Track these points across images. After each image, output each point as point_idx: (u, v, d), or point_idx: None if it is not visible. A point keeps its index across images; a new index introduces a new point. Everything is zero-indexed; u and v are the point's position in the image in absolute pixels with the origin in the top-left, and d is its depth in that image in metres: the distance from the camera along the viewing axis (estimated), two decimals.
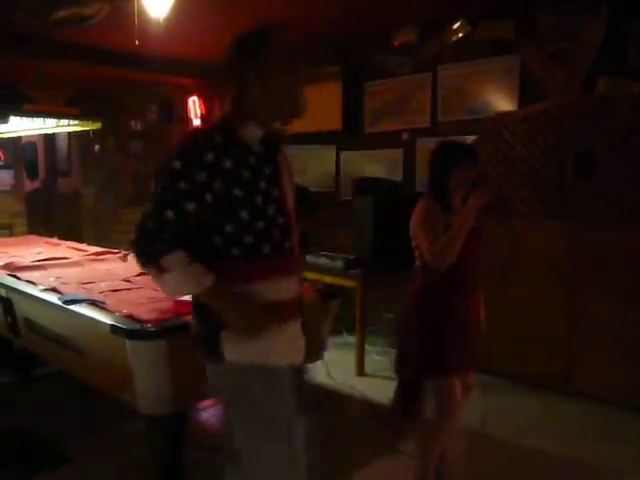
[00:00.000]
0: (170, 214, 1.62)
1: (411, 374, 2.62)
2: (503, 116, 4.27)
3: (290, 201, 1.81)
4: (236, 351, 1.72)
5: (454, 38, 4.65)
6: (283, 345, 1.77)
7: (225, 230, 1.68)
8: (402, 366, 2.69)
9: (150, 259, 1.67)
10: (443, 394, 2.53)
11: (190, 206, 1.62)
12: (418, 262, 2.59)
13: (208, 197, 1.63)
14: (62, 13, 4.13)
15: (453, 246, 2.38)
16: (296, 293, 1.81)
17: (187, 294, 1.78)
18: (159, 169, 1.72)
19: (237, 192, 1.64)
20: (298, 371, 1.85)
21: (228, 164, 1.64)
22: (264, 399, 1.72)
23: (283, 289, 1.76)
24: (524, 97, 4.34)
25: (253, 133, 1.73)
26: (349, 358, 4.49)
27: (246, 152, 1.69)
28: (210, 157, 1.61)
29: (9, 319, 3.62)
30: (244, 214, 1.66)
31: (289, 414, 1.76)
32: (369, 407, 3.77)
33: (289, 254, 1.78)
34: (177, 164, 1.62)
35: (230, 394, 1.78)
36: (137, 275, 3.77)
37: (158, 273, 1.66)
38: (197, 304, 1.80)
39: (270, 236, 1.71)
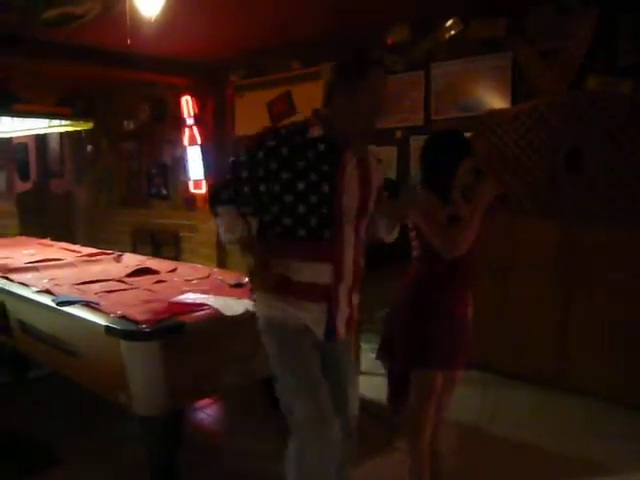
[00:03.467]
0: (228, 177, 2.07)
1: (400, 365, 2.64)
2: (495, 114, 4.28)
3: (347, 199, 2.04)
4: (260, 308, 2.13)
5: (447, 36, 4.66)
6: (302, 315, 2.05)
7: (272, 210, 2.03)
8: (388, 356, 2.71)
9: (210, 206, 2.15)
10: (422, 386, 2.55)
11: (244, 174, 2.01)
12: (415, 253, 2.58)
13: (261, 172, 1.98)
14: (53, 12, 4.11)
15: (469, 231, 2.37)
16: (328, 281, 2.04)
17: (228, 238, 2.12)
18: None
19: (285, 175, 1.96)
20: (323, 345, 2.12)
21: (285, 151, 1.96)
22: (282, 347, 2.08)
23: (312, 272, 2.02)
24: (516, 95, 4.36)
25: (317, 131, 2.02)
26: None
27: (307, 146, 1.99)
28: (272, 142, 1.97)
29: (2, 321, 3.60)
30: (289, 197, 1.98)
31: (306, 357, 2.07)
32: (364, 404, 3.77)
33: (328, 243, 2.02)
34: (247, 145, 2.05)
35: (266, 347, 2.14)
36: (131, 276, 3.77)
37: (215, 218, 2.14)
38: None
39: (308, 222, 1.99)
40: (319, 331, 2.09)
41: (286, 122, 2.24)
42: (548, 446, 3.20)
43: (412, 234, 2.57)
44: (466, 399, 3.11)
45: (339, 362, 2.24)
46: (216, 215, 2.13)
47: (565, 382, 3.92)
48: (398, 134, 5.12)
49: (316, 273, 2.04)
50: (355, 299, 2.24)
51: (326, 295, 2.07)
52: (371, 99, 2.02)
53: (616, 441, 3.26)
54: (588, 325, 3.82)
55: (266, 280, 2.06)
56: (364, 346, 4.62)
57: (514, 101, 4.35)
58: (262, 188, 2.01)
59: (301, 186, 1.97)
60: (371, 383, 4.13)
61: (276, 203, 2.02)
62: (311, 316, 2.07)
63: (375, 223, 2.29)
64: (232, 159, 2.08)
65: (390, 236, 2.38)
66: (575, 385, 3.86)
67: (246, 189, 2.03)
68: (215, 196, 2.14)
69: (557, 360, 3.97)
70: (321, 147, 2.00)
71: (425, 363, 2.54)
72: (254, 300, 2.20)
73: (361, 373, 4.39)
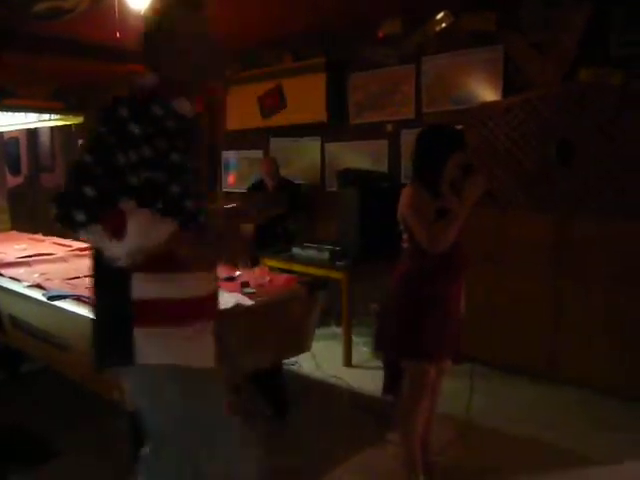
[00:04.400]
0: (122, 160, 1.54)
1: (392, 355, 2.67)
2: (487, 106, 4.28)
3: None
4: (152, 352, 1.59)
5: (437, 29, 4.65)
6: (209, 344, 1.68)
7: (171, 190, 1.60)
8: (382, 346, 2.74)
9: (98, 209, 1.52)
10: (416, 378, 2.57)
11: (134, 156, 1.54)
12: (406, 245, 2.60)
13: (148, 151, 1.54)
14: (42, 6, 4.08)
15: (452, 229, 2.40)
16: (215, 289, 1.76)
17: (155, 241, 1.52)
18: None
19: (175, 157, 1.60)
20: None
21: (171, 124, 1.62)
22: (182, 401, 1.63)
23: (208, 283, 1.71)
24: (508, 87, 4.36)
25: (184, 107, 1.72)
26: (336, 349, 4.50)
27: (182, 124, 1.67)
28: (158, 111, 1.61)
29: None
30: (180, 178, 1.62)
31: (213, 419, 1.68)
32: (356, 397, 3.79)
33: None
34: (124, 112, 1.58)
35: (144, 399, 1.68)
36: None
37: (108, 228, 1.50)
38: (101, 289, 1.66)
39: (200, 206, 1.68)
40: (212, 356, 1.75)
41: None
42: (543, 438, 3.22)
43: (401, 227, 2.59)
44: (459, 393, 3.12)
45: None
46: (121, 220, 1.50)
47: (559, 375, 3.94)
48: (389, 127, 5.12)
49: (209, 283, 1.75)
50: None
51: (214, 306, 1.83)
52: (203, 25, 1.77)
53: (611, 432, 3.28)
54: (582, 317, 3.84)
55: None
56: (356, 339, 4.64)
57: (506, 94, 4.35)
58: (158, 176, 1.62)
59: (194, 164, 1.70)
60: (362, 376, 4.16)
61: (173, 182, 1.63)
62: (209, 340, 1.73)
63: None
64: (114, 136, 1.57)
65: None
66: (569, 377, 3.88)
67: (137, 175, 1.58)
68: (99, 192, 1.54)
69: (550, 353, 3.99)
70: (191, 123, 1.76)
71: (418, 355, 2.56)
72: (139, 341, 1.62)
73: (352, 366, 4.42)
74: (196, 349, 1.64)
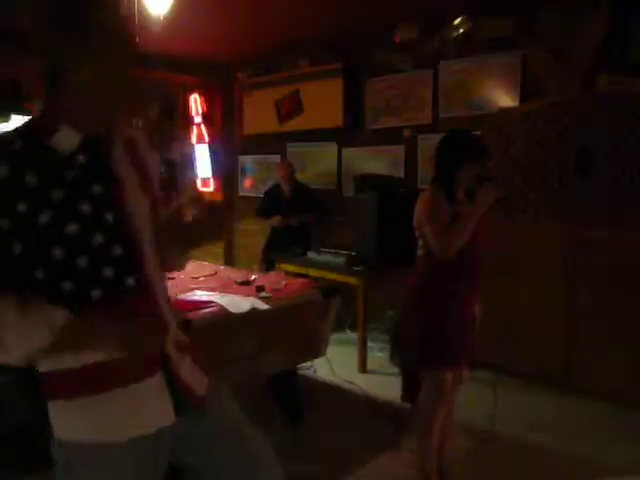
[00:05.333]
0: None
1: (410, 363, 2.67)
2: (504, 112, 4.26)
3: (139, 221, 1.35)
4: (60, 427, 1.39)
5: (455, 34, 4.64)
6: (136, 409, 1.34)
7: (35, 277, 1.23)
8: (399, 355, 2.75)
9: None
10: (433, 386, 2.56)
11: None
12: (421, 252, 2.59)
13: (4, 223, 1.18)
14: None
15: (461, 235, 2.41)
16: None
17: (40, 344, 1.20)
18: None
19: (43, 218, 1.20)
20: (161, 436, 1.38)
21: (32, 180, 1.20)
22: None
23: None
24: (525, 93, 4.34)
25: (67, 139, 1.26)
26: (351, 355, 4.49)
27: (59, 164, 1.25)
28: (5, 171, 1.18)
29: None
30: (57, 251, 1.22)
31: None
32: (371, 404, 3.78)
33: (135, 296, 1.33)
34: None
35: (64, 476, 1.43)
36: None
37: None
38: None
39: (98, 276, 1.27)
40: (167, 412, 1.37)
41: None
42: (556, 447, 3.19)
43: (417, 233, 2.59)
44: (472, 400, 3.10)
45: (219, 430, 1.49)
46: None
47: (572, 383, 3.90)
48: (406, 133, 5.11)
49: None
50: (181, 335, 1.50)
51: (155, 362, 1.36)
52: (121, 43, 1.30)
53: (630, 444, 3.24)
54: (595, 326, 3.80)
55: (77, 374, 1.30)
56: (371, 345, 4.63)
57: (523, 100, 4.32)
58: (17, 249, 1.20)
59: (73, 228, 1.23)
60: (378, 382, 4.14)
61: (39, 265, 1.22)
62: (152, 398, 1.35)
63: (162, 245, 1.47)
64: None
65: (181, 265, 1.65)
66: (582, 386, 3.84)
67: None
68: None
69: (564, 361, 3.95)
70: (81, 159, 1.28)
71: (435, 362, 2.55)
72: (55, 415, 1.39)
73: (367, 372, 4.40)
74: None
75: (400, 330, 2.80)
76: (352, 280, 4.41)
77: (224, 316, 2.81)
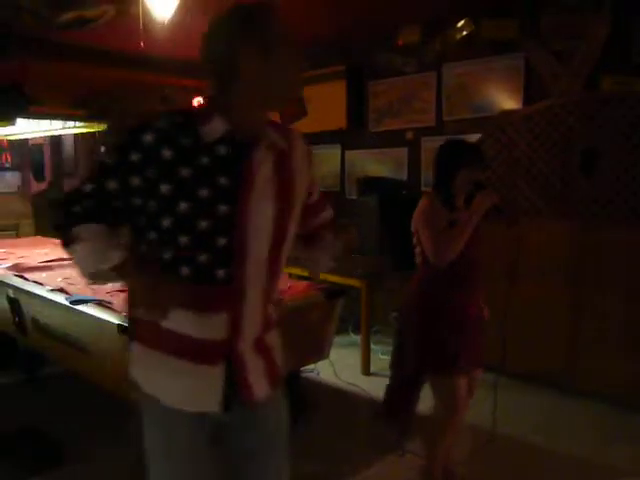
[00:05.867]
0: (89, 187, 1.40)
1: (410, 370, 2.65)
2: (507, 114, 4.27)
3: (257, 223, 1.42)
4: (134, 368, 1.54)
5: (458, 37, 4.64)
6: (186, 387, 1.46)
7: (147, 237, 1.40)
8: (400, 362, 2.72)
9: (61, 233, 1.42)
10: (449, 393, 2.54)
11: (112, 184, 1.37)
12: (419, 259, 2.60)
13: (134, 181, 1.36)
14: (67, 16, 4.15)
15: (455, 244, 2.41)
16: (222, 336, 1.44)
17: (94, 272, 1.40)
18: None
19: (164, 189, 1.35)
20: (211, 420, 1.50)
21: (168, 154, 1.34)
22: (150, 437, 1.54)
23: (199, 325, 1.42)
24: (528, 95, 4.34)
25: (216, 129, 1.38)
26: (355, 357, 4.49)
27: (199, 149, 1.37)
28: (149, 139, 1.34)
29: (17, 319, 3.64)
30: (166, 222, 1.36)
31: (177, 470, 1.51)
32: (375, 406, 3.77)
33: (222, 287, 1.42)
34: (116, 140, 1.41)
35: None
36: None
37: (66, 244, 1.41)
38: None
39: (194, 258, 1.38)
40: (213, 401, 1.47)
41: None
42: (560, 450, 3.19)
43: (414, 240, 2.60)
44: (476, 402, 3.09)
45: (260, 438, 1.59)
46: (73, 241, 1.38)
47: (577, 385, 3.89)
48: (409, 135, 5.12)
49: (205, 326, 1.43)
50: (272, 340, 1.62)
51: (221, 353, 1.46)
52: (292, 54, 1.43)
53: (627, 444, 3.24)
54: (600, 327, 3.79)
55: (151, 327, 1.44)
56: (374, 347, 4.63)
57: (527, 102, 4.33)
58: (138, 202, 1.38)
59: (184, 206, 1.35)
60: (381, 384, 4.12)
61: (152, 228, 1.39)
62: (199, 383, 1.46)
63: (310, 253, 1.70)
64: (99, 161, 1.44)
65: (322, 271, 1.81)
66: (587, 388, 3.83)
67: (117, 204, 1.39)
68: (67, 216, 1.42)
69: (568, 362, 3.94)
70: (220, 150, 1.39)
71: (447, 370, 2.53)
72: (131, 354, 1.55)
73: (371, 374, 4.40)
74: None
75: (401, 338, 2.78)
76: (355, 282, 4.42)
77: None
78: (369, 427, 3.49)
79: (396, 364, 2.77)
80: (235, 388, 1.48)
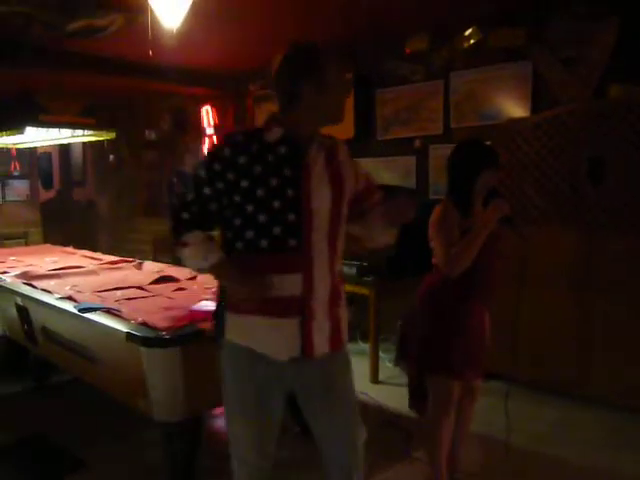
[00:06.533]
0: (190, 196, 1.86)
1: (413, 370, 2.65)
2: (515, 122, 4.26)
3: (317, 203, 1.83)
4: (231, 331, 1.91)
5: (466, 45, 4.65)
6: (272, 338, 1.86)
7: (234, 224, 1.83)
8: (403, 360, 2.73)
9: (174, 236, 1.91)
10: (439, 394, 2.55)
11: (206, 190, 1.83)
12: (435, 260, 2.57)
13: (220, 185, 1.81)
14: (76, 25, 4.19)
15: (468, 253, 2.37)
16: (297, 292, 1.83)
17: (199, 268, 1.96)
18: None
19: (244, 184, 1.78)
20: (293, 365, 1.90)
21: (242, 159, 1.79)
22: (235, 382, 1.93)
23: (278, 285, 1.80)
24: (536, 103, 4.33)
25: (275, 134, 1.83)
26: (363, 365, 4.47)
27: (265, 150, 1.81)
28: (227, 152, 1.81)
29: (26, 327, 3.65)
30: (249, 207, 1.79)
31: (241, 399, 1.93)
32: (383, 414, 3.76)
33: (294, 254, 1.81)
34: (204, 157, 1.90)
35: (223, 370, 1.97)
36: (151, 283, 3.80)
37: (176, 245, 1.90)
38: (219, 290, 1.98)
39: (270, 232, 1.79)
40: (294, 348, 1.86)
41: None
42: (571, 459, 3.16)
43: (431, 244, 2.57)
44: (485, 410, 3.08)
45: (329, 384, 1.96)
46: (184, 245, 1.89)
47: (587, 393, 3.86)
48: (417, 143, 5.12)
49: (283, 285, 1.81)
50: (340, 313, 1.99)
51: (297, 308, 1.84)
52: (343, 85, 1.92)
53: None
54: (609, 335, 3.77)
55: (245, 298, 1.84)
56: (383, 356, 4.61)
57: (534, 110, 4.32)
58: (225, 201, 1.83)
59: (260, 193, 1.79)
60: (390, 392, 4.12)
61: (238, 216, 1.83)
62: (282, 334, 1.85)
63: (369, 224, 2.08)
64: (193, 174, 1.90)
65: (388, 240, 2.16)
66: (597, 396, 3.80)
67: (212, 207, 1.86)
68: (179, 222, 1.90)
69: (581, 371, 3.91)
70: (281, 150, 1.82)
71: (441, 371, 2.54)
72: (216, 326, 1.97)
73: (379, 382, 4.38)
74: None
75: (404, 336, 2.79)
76: (364, 290, 4.41)
77: None
78: (377, 435, 3.47)
79: (399, 361, 2.79)
80: (302, 341, 1.85)
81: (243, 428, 1.97)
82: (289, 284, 1.82)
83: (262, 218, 1.79)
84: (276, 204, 1.78)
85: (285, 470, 2.82)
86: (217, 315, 1.96)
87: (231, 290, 1.86)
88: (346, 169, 1.98)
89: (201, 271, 2.01)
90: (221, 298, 1.94)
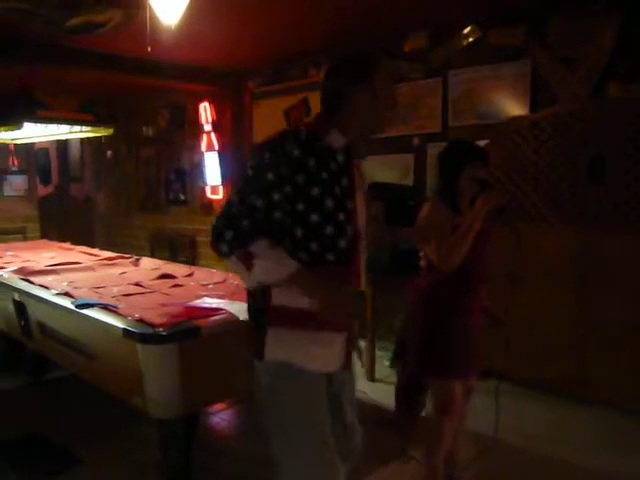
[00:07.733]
0: (259, 202, 1.66)
1: (412, 371, 2.65)
2: (514, 121, 4.26)
3: (360, 216, 1.81)
4: (277, 350, 1.77)
5: (465, 43, 4.65)
6: (327, 353, 1.80)
7: (295, 234, 1.69)
8: (402, 362, 2.73)
9: (235, 246, 1.68)
10: (443, 397, 2.55)
11: (276, 196, 1.65)
12: (423, 262, 2.59)
13: (288, 189, 1.65)
14: (76, 21, 4.18)
15: (459, 248, 2.38)
16: (350, 307, 1.77)
17: (275, 279, 1.71)
18: (247, 163, 1.78)
19: (314, 191, 1.67)
20: (335, 379, 1.88)
21: (312, 162, 1.67)
22: (296, 401, 1.77)
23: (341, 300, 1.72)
24: (535, 102, 4.33)
25: (337, 140, 1.77)
26: (359, 363, 4.48)
27: (329, 156, 1.73)
28: (296, 152, 1.66)
29: (23, 323, 3.65)
30: (315, 217, 1.67)
31: (322, 421, 1.80)
32: (379, 412, 3.76)
33: (352, 268, 1.79)
34: (266, 156, 1.69)
35: (266, 394, 1.82)
36: (149, 280, 3.80)
37: (242, 261, 1.69)
38: (254, 300, 1.84)
39: (336, 245, 1.71)
40: (339, 363, 1.86)
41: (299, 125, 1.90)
42: (568, 458, 3.16)
43: (419, 245, 2.58)
44: (482, 409, 3.08)
45: (346, 389, 1.98)
46: (250, 257, 1.67)
47: (584, 393, 3.87)
48: (415, 141, 5.12)
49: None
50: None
51: (347, 323, 1.82)
52: (391, 95, 1.85)
53: (636, 455, 3.21)
54: (607, 334, 3.77)
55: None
56: (379, 354, 4.61)
57: (533, 109, 4.32)
58: (288, 208, 1.67)
59: (329, 203, 1.68)
60: (385, 391, 4.12)
61: (299, 225, 1.68)
62: (334, 351, 1.82)
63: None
64: (249, 176, 1.72)
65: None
66: (594, 396, 3.81)
67: (277, 215, 1.67)
68: (238, 232, 1.67)
69: (577, 371, 3.92)
70: (340, 158, 1.75)
71: (443, 373, 2.54)
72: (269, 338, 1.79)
73: (375, 380, 4.39)
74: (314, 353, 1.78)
75: (406, 340, 2.78)
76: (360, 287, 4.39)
77: (233, 323, 2.82)
78: (373, 433, 3.47)
79: (396, 363, 2.78)
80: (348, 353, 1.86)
81: (331, 459, 1.80)
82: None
83: (329, 230, 1.69)
84: (341, 216, 1.71)
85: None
86: (259, 329, 1.80)
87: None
88: (363, 173, 1.98)
89: (275, 284, 1.73)
90: (262, 308, 1.79)
